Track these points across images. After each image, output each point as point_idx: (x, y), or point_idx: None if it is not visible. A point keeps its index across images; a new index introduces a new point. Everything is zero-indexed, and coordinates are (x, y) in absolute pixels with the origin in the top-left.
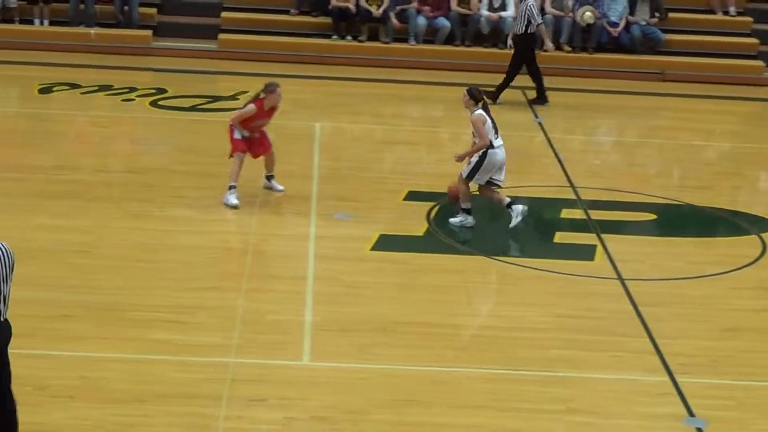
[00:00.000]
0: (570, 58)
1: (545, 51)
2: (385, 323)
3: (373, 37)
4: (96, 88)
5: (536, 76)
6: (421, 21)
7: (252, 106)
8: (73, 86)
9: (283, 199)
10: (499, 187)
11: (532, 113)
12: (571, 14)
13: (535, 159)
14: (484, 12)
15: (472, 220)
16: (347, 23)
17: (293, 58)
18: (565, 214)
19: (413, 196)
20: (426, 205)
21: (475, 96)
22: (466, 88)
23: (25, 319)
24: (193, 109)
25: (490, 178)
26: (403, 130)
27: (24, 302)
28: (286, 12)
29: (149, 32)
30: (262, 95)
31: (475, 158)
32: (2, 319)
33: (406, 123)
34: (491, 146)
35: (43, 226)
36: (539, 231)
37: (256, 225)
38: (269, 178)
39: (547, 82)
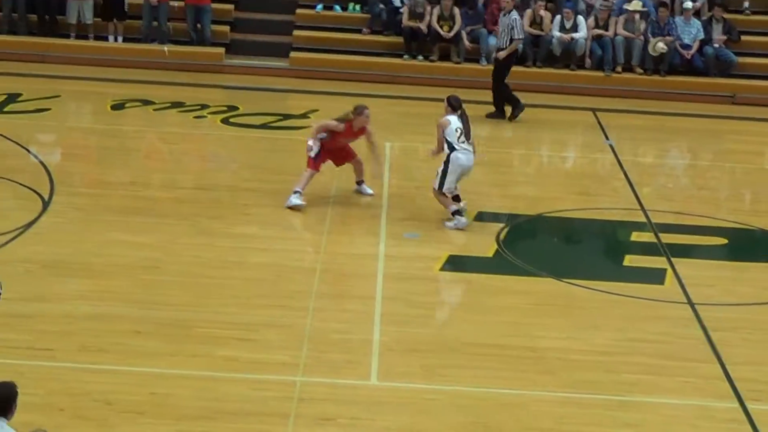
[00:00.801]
0: (641, 81)
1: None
2: (454, 344)
3: (445, 57)
4: (168, 104)
5: (503, 89)
6: (493, 42)
7: (342, 125)
8: (146, 103)
9: (352, 218)
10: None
11: (603, 135)
12: (641, 37)
13: (605, 181)
14: (556, 33)
15: (465, 220)
16: (418, 43)
17: (364, 77)
18: (635, 237)
19: (482, 216)
20: (495, 226)
21: (453, 104)
22: (447, 96)
23: (95, 334)
24: (263, 126)
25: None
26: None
27: (95, 317)
28: (358, 31)
29: (222, 50)
30: (351, 116)
31: (440, 167)
32: None
33: (478, 143)
34: (453, 149)
35: (115, 242)
36: (609, 254)
37: (326, 243)
38: (359, 183)
39: (619, 104)
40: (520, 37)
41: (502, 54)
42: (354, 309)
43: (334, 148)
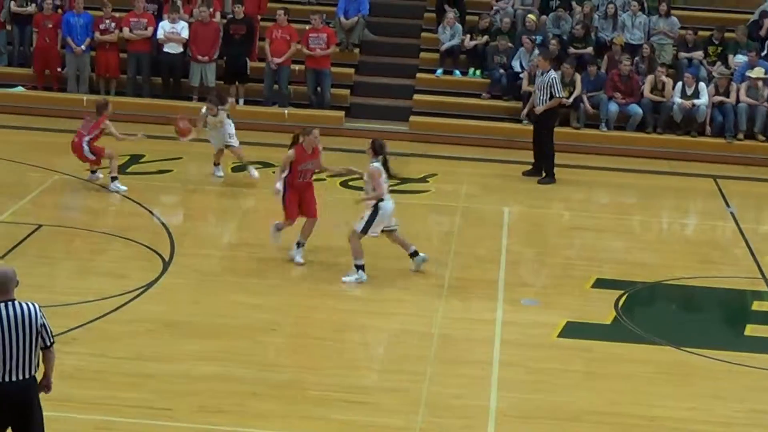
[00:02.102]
0: (764, 148)
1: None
2: (571, 412)
3: (564, 122)
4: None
5: (550, 155)
6: (613, 107)
7: (292, 151)
8: (266, 165)
9: (470, 283)
10: (394, 230)
11: (724, 202)
12: (766, 103)
13: (726, 249)
14: (677, 99)
15: (365, 276)
16: None
17: (484, 142)
18: (757, 306)
19: (601, 283)
20: (614, 293)
21: (376, 149)
22: (372, 139)
23: (213, 395)
24: None
25: (384, 227)
26: (592, 216)
27: (213, 378)
28: (478, 96)
29: (341, 113)
30: (300, 139)
31: (367, 212)
32: (25, 376)
33: (596, 209)
34: (381, 199)
35: (234, 303)
36: (730, 323)
37: (443, 308)
38: (300, 244)
39: (741, 171)
40: (561, 95)
41: (540, 108)
42: (471, 374)
43: (299, 186)
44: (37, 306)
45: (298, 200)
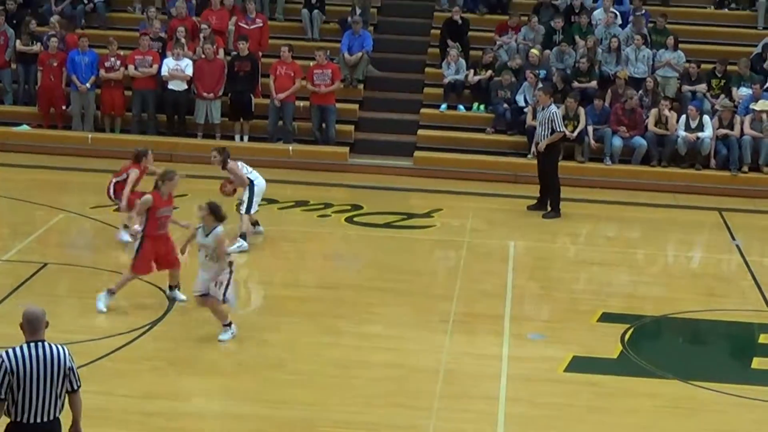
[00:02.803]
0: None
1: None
2: None
3: (569, 156)
4: (292, 203)
5: (556, 189)
6: (617, 142)
7: (149, 197)
8: (271, 201)
9: (476, 318)
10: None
11: (729, 235)
12: None
13: (732, 282)
14: (682, 132)
15: (246, 245)
16: None
17: (488, 177)
18: (763, 339)
19: (607, 317)
20: (620, 327)
21: (225, 156)
22: (215, 150)
23: None
24: (387, 225)
25: None
26: (598, 250)
27: (221, 416)
28: (482, 130)
29: (346, 149)
30: (159, 183)
31: (245, 194)
32: (50, 418)
33: (601, 243)
34: (251, 179)
35: (242, 340)
36: (736, 356)
37: (449, 343)
38: (173, 287)
39: (746, 204)
40: (562, 130)
41: (542, 145)
42: (478, 410)
43: (156, 238)
44: (66, 349)
45: (155, 255)
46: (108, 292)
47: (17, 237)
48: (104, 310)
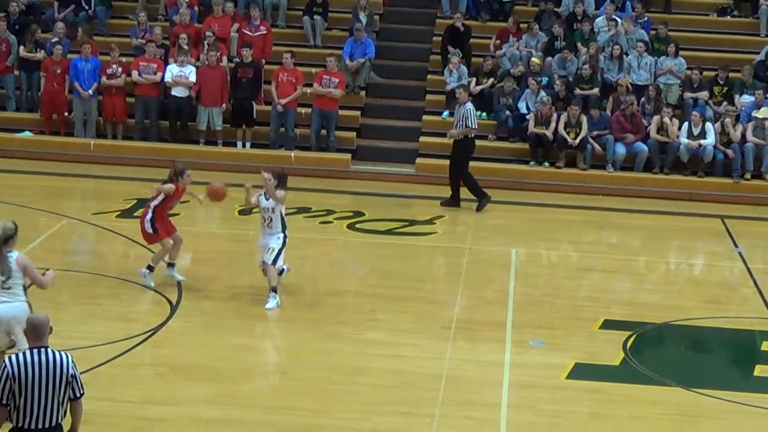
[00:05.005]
0: None
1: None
2: None
3: (571, 163)
4: (294, 210)
5: (467, 180)
6: (620, 149)
7: (172, 186)
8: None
9: (477, 325)
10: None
11: (732, 242)
12: None
13: (734, 289)
14: (684, 140)
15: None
16: (544, 149)
17: (490, 184)
18: (766, 346)
19: (609, 324)
20: (622, 334)
21: (281, 179)
22: (273, 169)
23: None
24: (389, 232)
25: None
26: (600, 257)
27: (221, 422)
28: (484, 138)
29: (348, 156)
30: (176, 179)
31: (278, 244)
32: (51, 425)
33: (603, 250)
34: (285, 227)
35: (242, 346)
36: (739, 363)
37: (451, 350)
38: (171, 265)
39: (748, 211)
40: (474, 126)
41: (453, 132)
42: (479, 417)
43: (164, 215)
44: (69, 356)
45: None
46: (148, 269)
47: (20, 243)
48: (152, 284)
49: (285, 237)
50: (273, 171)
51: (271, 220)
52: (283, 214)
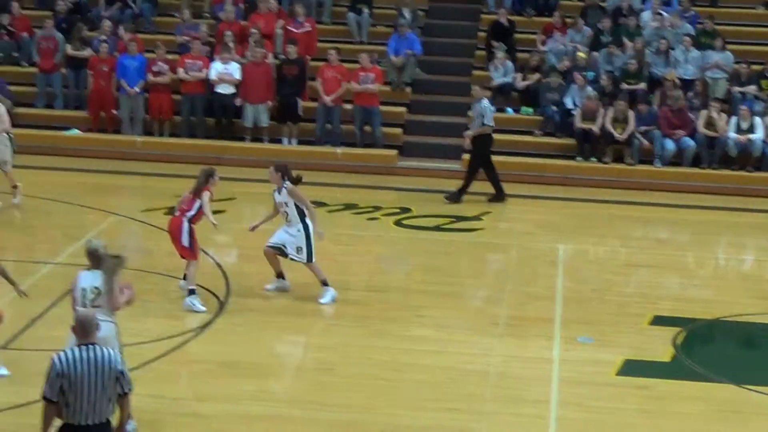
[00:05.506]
0: None
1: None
2: None
3: (618, 158)
4: (341, 206)
5: (491, 176)
6: (669, 145)
7: (208, 193)
8: (319, 204)
9: (526, 321)
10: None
11: None
12: None
13: None
14: (732, 134)
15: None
16: (591, 145)
17: (537, 179)
18: None
19: (658, 320)
20: (671, 330)
21: (283, 171)
22: (275, 163)
23: None
24: (436, 228)
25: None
26: (649, 253)
27: (269, 418)
28: (530, 133)
29: (395, 152)
30: (206, 185)
31: (303, 242)
32: (101, 420)
33: (652, 245)
34: (304, 215)
35: (290, 343)
36: None
37: (499, 346)
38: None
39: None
40: (491, 124)
41: (469, 133)
42: (528, 413)
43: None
44: (115, 352)
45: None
46: (190, 293)
47: (68, 240)
48: (204, 308)
49: (306, 227)
50: (276, 164)
51: (287, 214)
52: (302, 205)
